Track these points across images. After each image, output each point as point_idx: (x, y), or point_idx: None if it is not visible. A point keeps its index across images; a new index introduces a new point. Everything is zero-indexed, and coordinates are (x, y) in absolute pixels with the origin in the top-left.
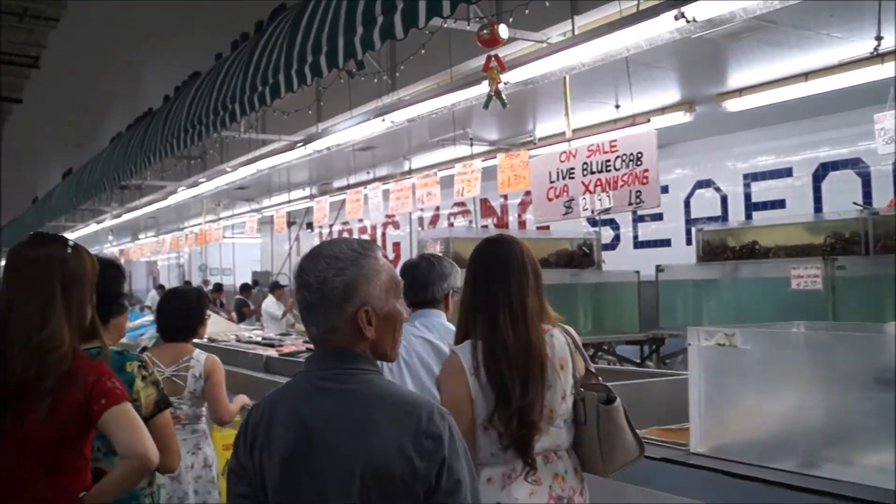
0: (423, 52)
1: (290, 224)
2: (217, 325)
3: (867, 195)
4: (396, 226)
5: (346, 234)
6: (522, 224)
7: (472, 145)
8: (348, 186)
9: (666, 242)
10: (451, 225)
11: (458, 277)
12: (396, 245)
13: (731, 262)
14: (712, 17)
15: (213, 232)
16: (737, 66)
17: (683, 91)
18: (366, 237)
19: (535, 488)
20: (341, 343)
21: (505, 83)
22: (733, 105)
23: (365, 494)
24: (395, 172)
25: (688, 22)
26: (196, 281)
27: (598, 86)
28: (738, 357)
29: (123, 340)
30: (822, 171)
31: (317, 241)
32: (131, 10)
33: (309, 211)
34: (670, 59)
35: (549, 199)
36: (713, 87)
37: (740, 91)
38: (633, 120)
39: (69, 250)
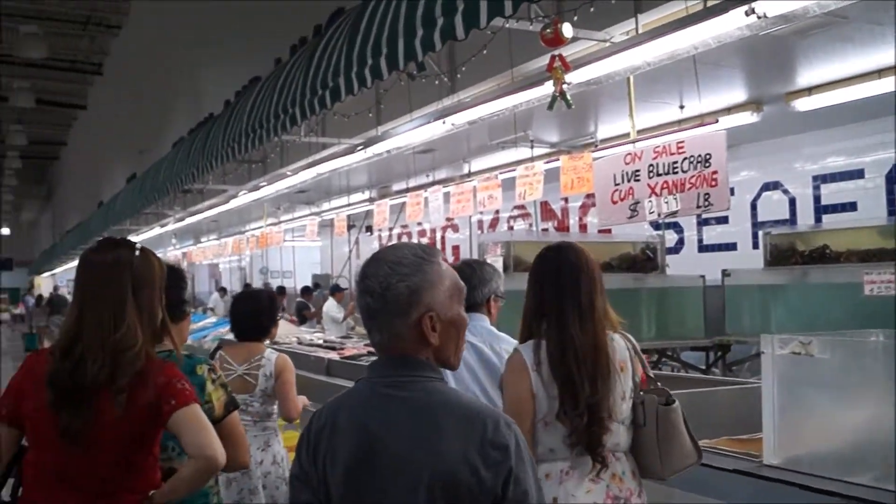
0: (483, 52)
1: (349, 227)
2: (279, 328)
3: None
4: (455, 229)
5: (405, 238)
6: (583, 227)
7: (532, 147)
8: (407, 189)
9: (731, 246)
10: (511, 228)
11: (499, 282)
12: (456, 248)
13: (801, 266)
14: (785, 13)
15: (275, 235)
16: (806, 64)
17: (750, 90)
18: (425, 240)
19: (592, 486)
20: (405, 350)
21: (567, 84)
22: (802, 104)
23: (429, 501)
24: (454, 175)
25: (758, 18)
26: (257, 283)
27: (661, 85)
28: (815, 366)
29: (187, 342)
30: (895, 173)
31: (376, 245)
32: (192, 16)
33: (368, 214)
34: (737, 58)
35: (614, 202)
36: (781, 85)
37: (809, 90)
38: (700, 120)
39: (137, 253)
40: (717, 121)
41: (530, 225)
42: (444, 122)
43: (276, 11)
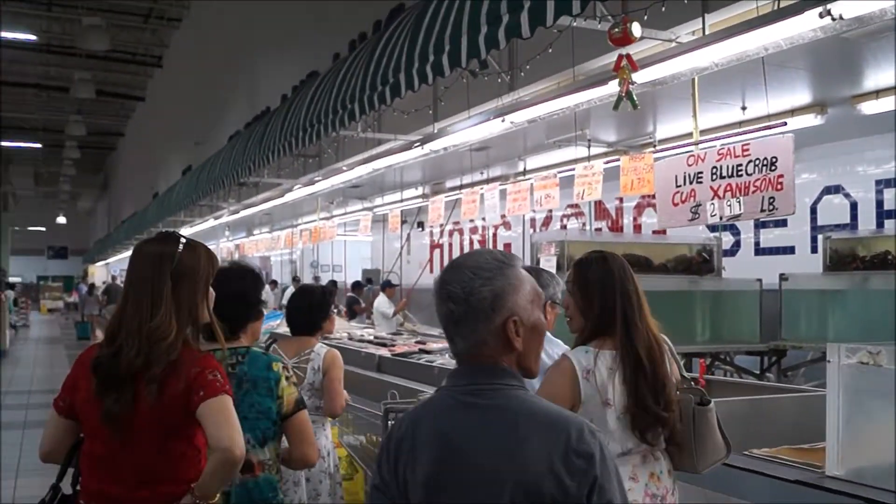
0: (549, 51)
1: (401, 223)
2: (334, 323)
3: None
4: (508, 227)
5: (456, 234)
6: (638, 228)
7: (589, 147)
8: (461, 186)
9: (789, 250)
10: (564, 227)
11: (557, 289)
12: (507, 246)
13: (861, 272)
14: (861, 15)
15: (328, 230)
16: (874, 67)
17: (815, 92)
18: (477, 237)
19: (632, 485)
20: (488, 357)
21: (633, 84)
22: (868, 107)
23: None
24: (508, 173)
25: (833, 20)
26: (307, 277)
27: (724, 86)
28: (882, 377)
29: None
30: None
31: (427, 241)
32: (251, 11)
33: (420, 210)
34: (803, 59)
35: (675, 204)
36: (847, 88)
37: (877, 93)
38: (767, 121)
39: (181, 247)
40: (785, 123)
41: (583, 224)
42: (503, 121)
43: (335, 7)
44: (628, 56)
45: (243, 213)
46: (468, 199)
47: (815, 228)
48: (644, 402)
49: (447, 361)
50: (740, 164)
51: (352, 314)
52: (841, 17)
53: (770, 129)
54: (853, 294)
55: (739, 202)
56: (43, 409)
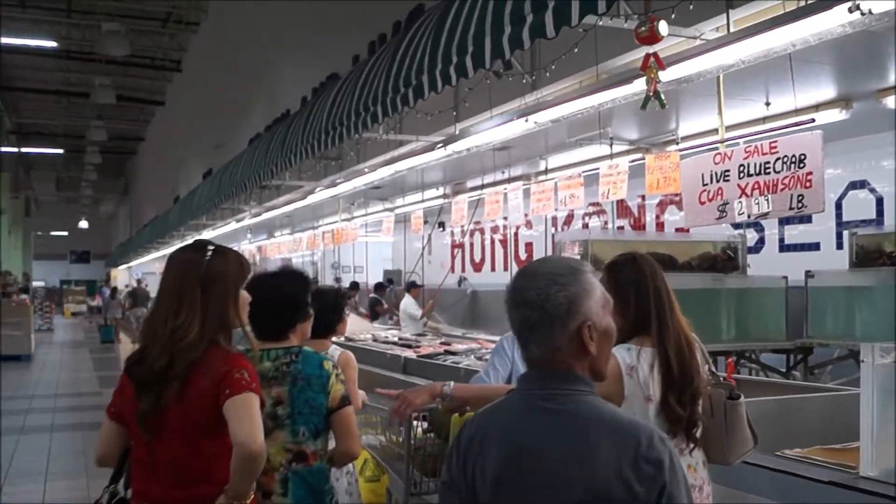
0: (575, 51)
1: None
2: (353, 324)
3: None
4: (530, 226)
5: (478, 234)
6: (660, 226)
7: (612, 145)
8: (483, 186)
9: (814, 246)
10: (586, 226)
11: None
12: (529, 245)
13: (888, 268)
14: (891, 10)
15: (350, 232)
16: None
17: (840, 87)
18: (498, 237)
19: None
20: (562, 362)
21: (659, 83)
22: (894, 101)
23: None
24: (529, 172)
25: (862, 14)
26: (328, 278)
27: (748, 82)
28: None
29: None
30: None
31: (448, 241)
32: (269, 14)
33: (442, 210)
34: (828, 54)
35: (702, 203)
36: (873, 82)
37: None
38: (792, 117)
39: (209, 255)
40: (813, 120)
41: (605, 222)
42: (526, 121)
43: (353, 9)
44: (655, 55)
45: (265, 215)
46: (491, 199)
47: (841, 224)
48: (666, 398)
49: (473, 363)
50: (768, 162)
51: (374, 315)
52: (870, 12)
53: (796, 125)
54: (880, 290)
55: (767, 200)
56: (69, 412)
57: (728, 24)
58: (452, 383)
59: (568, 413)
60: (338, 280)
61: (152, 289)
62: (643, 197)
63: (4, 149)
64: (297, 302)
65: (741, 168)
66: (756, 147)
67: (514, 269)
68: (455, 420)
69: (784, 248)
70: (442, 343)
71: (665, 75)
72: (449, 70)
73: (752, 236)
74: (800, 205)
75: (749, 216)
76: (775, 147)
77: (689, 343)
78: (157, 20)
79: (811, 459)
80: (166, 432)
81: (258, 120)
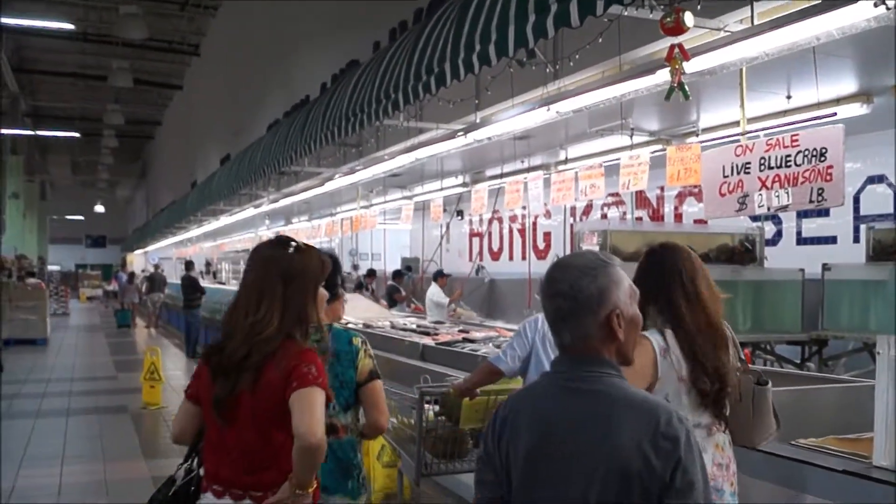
0: (590, 39)
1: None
2: (370, 311)
3: None
4: (548, 215)
5: (496, 222)
6: (679, 217)
7: (632, 136)
8: (502, 175)
9: (832, 240)
10: (605, 216)
11: None
12: (547, 235)
13: None
14: None
15: (369, 219)
16: None
17: (861, 81)
18: (517, 225)
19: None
20: (592, 348)
21: (683, 74)
22: None
23: (604, 489)
24: (549, 162)
25: (888, 9)
26: (346, 266)
27: (769, 75)
28: None
29: None
30: None
31: (466, 229)
32: None
33: (460, 199)
34: (849, 48)
35: (722, 195)
36: (893, 78)
37: None
38: (813, 110)
39: (291, 251)
40: (835, 113)
41: (624, 213)
42: (548, 110)
43: None
44: (680, 46)
45: (283, 202)
46: (511, 189)
47: (858, 218)
48: (693, 375)
49: (491, 350)
50: (789, 155)
51: (392, 302)
52: None
53: (817, 118)
54: None
55: (788, 193)
56: (85, 396)
57: (752, 16)
58: None
59: (594, 393)
60: (355, 267)
61: (169, 274)
62: (662, 188)
63: (20, 131)
64: (327, 284)
65: (762, 161)
66: (778, 140)
67: (533, 258)
68: (466, 404)
69: (801, 241)
70: (460, 331)
71: (689, 66)
72: (472, 58)
73: (769, 229)
74: (819, 198)
75: (769, 209)
76: (797, 140)
77: (715, 328)
78: (175, 3)
79: (825, 449)
80: (238, 419)
81: (277, 106)
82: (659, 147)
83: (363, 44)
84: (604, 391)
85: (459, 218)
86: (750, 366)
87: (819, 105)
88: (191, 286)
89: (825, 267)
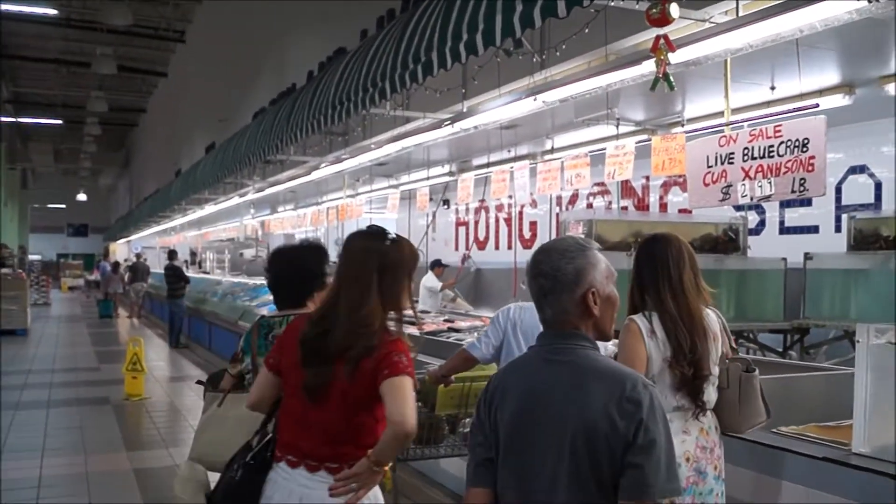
0: (577, 29)
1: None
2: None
3: None
4: (534, 204)
5: (482, 211)
6: (663, 206)
7: (618, 125)
8: (488, 164)
9: (814, 229)
10: (590, 205)
11: None
12: (533, 224)
13: (884, 252)
14: None
15: (355, 208)
16: None
17: (844, 73)
18: (503, 215)
19: (685, 437)
20: (570, 322)
21: (668, 65)
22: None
23: (574, 445)
24: (535, 151)
25: (870, 2)
26: (332, 255)
27: (753, 66)
28: None
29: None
30: None
31: (453, 218)
32: None
33: (447, 188)
34: (832, 40)
35: (706, 185)
36: (875, 69)
37: None
38: (796, 101)
39: (388, 242)
40: (817, 105)
41: (609, 203)
42: (535, 100)
43: None
44: (665, 37)
45: (268, 190)
46: (498, 178)
47: (840, 208)
48: (673, 360)
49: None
50: (772, 146)
51: None
52: (878, 0)
53: (799, 109)
54: (876, 274)
55: (770, 183)
56: (66, 388)
57: (737, 7)
58: None
59: (570, 363)
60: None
61: (152, 263)
62: (647, 178)
63: (1, 118)
64: (313, 272)
65: (745, 151)
66: (761, 130)
67: (519, 247)
68: (441, 390)
69: (784, 230)
70: (445, 320)
71: (674, 57)
72: (459, 47)
73: (753, 218)
74: (802, 188)
75: (752, 198)
76: (780, 131)
77: (694, 317)
78: None
79: (806, 436)
80: (327, 401)
81: (263, 94)
82: (644, 137)
83: (350, 32)
84: (577, 361)
85: (446, 207)
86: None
87: (802, 96)
88: (175, 275)
89: (807, 256)
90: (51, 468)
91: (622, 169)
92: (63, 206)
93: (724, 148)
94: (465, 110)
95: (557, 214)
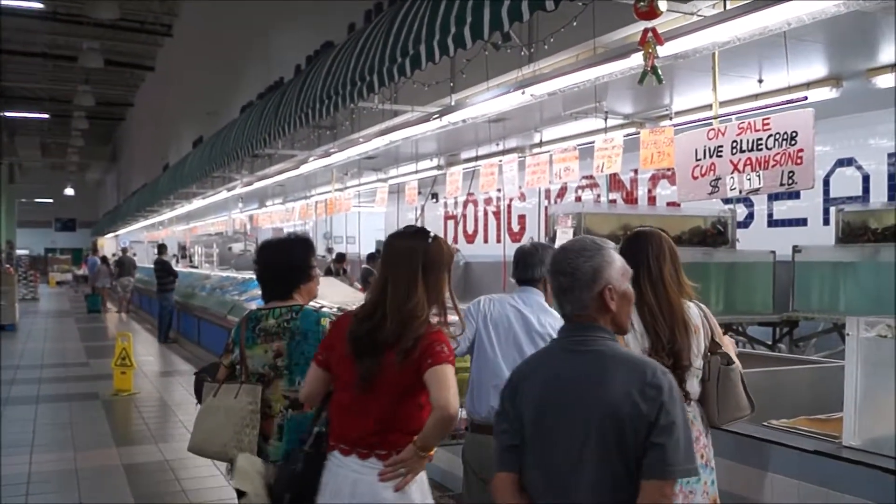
0: (565, 23)
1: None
2: (345, 294)
3: None
4: (523, 198)
5: (471, 205)
6: (652, 199)
7: (606, 119)
8: (477, 158)
9: (802, 222)
10: (579, 199)
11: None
12: (522, 217)
13: (873, 244)
14: None
15: (343, 201)
16: (890, 41)
17: (831, 66)
18: (492, 208)
19: None
20: (589, 317)
21: (657, 58)
22: (883, 81)
23: (601, 428)
24: (524, 144)
25: None
26: (320, 249)
27: (741, 59)
28: None
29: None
30: None
31: (441, 212)
32: None
33: (435, 181)
34: (820, 33)
35: (694, 178)
36: (863, 62)
37: (892, 67)
38: (784, 94)
39: (430, 241)
40: (805, 98)
41: (598, 196)
42: (523, 93)
43: None
44: (653, 30)
45: (257, 184)
46: (486, 171)
47: (828, 201)
48: (652, 351)
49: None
50: (760, 139)
51: (367, 285)
52: None
53: (788, 102)
54: (864, 266)
55: (759, 176)
56: (55, 383)
57: (724, 0)
58: None
59: (593, 353)
60: (329, 250)
61: (141, 258)
62: (636, 171)
63: None
64: (300, 265)
65: (734, 144)
66: (749, 123)
67: (508, 241)
68: None
69: (772, 223)
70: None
71: (662, 51)
72: (447, 40)
73: (741, 211)
74: (790, 181)
75: (741, 191)
76: (768, 124)
77: (674, 309)
78: None
79: (796, 429)
80: (377, 390)
81: (251, 87)
82: (633, 130)
83: (338, 25)
84: (599, 351)
85: (434, 201)
86: (721, 349)
87: (790, 89)
88: (164, 270)
89: (795, 249)
90: (40, 464)
91: (611, 162)
92: (50, 200)
93: (712, 141)
94: (453, 104)
95: (546, 208)
